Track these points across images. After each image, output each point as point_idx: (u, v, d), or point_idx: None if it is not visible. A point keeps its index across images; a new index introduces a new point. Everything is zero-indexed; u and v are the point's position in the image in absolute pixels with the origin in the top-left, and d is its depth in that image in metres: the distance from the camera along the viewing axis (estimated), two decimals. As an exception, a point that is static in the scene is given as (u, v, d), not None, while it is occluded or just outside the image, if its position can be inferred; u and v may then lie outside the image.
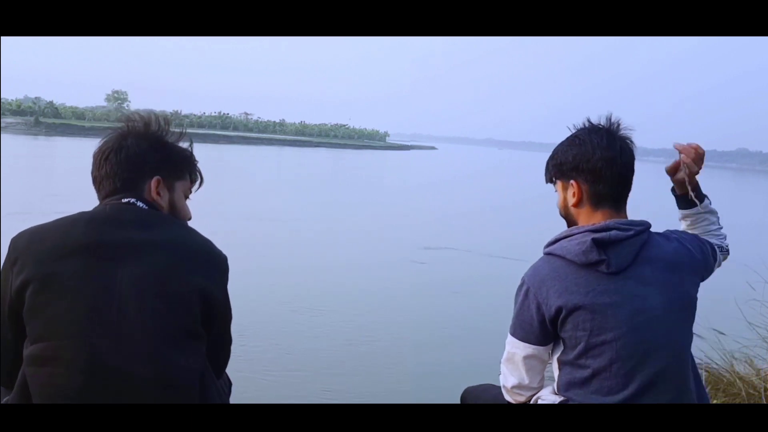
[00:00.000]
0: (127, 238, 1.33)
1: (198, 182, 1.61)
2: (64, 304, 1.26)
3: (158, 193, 1.47)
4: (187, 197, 1.57)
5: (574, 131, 1.68)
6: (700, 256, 1.64)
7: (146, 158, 1.46)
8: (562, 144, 1.69)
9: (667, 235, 1.65)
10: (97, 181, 1.47)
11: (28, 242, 1.32)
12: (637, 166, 1.66)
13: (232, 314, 1.50)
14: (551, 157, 1.71)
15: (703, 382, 1.62)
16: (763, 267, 3.69)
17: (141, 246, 1.33)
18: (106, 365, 1.25)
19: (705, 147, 1.77)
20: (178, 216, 1.52)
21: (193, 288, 1.34)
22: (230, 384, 1.66)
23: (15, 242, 1.34)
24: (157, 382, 1.27)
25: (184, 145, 1.56)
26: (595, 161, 1.59)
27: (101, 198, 1.47)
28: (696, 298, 1.60)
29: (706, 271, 1.67)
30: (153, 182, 1.46)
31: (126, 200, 1.41)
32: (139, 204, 1.41)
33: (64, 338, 1.25)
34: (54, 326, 1.26)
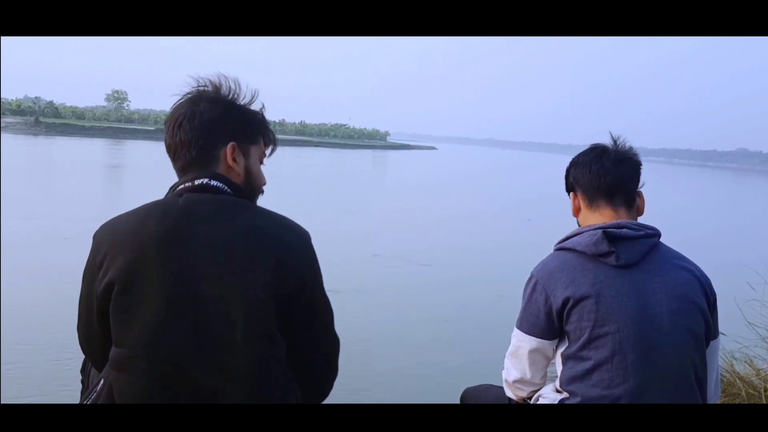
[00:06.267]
0: (201, 231, 1.29)
1: (271, 145, 1.54)
2: (141, 311, 1.27)
3: (234, 160, 1.41)
4: (261, 162, 1.51)
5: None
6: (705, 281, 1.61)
7: (220, 123, 1.40)
8: None
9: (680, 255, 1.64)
10: (172, 150, 1.42)
11: (109, 242, 1.32)
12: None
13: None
14: None
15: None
16: (763, 267, 3.69)
17: (215, 240, 1.29)
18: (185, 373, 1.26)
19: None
20: (254, 183, 1.47)
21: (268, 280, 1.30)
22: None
23: (98, 242, 1.35)
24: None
25: (256, 107, 1.49)
26: (580, 164, 1.74)
27: (177, 168, 1.43)
28: (704, 307, 1.56)
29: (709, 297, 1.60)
30: (228, 149, 1.40)
31: (199, 181, 1.37)
32: (213, 183, 1.37)
33: (139, 347, 1.27)
34: (132, 333, 1.27)
